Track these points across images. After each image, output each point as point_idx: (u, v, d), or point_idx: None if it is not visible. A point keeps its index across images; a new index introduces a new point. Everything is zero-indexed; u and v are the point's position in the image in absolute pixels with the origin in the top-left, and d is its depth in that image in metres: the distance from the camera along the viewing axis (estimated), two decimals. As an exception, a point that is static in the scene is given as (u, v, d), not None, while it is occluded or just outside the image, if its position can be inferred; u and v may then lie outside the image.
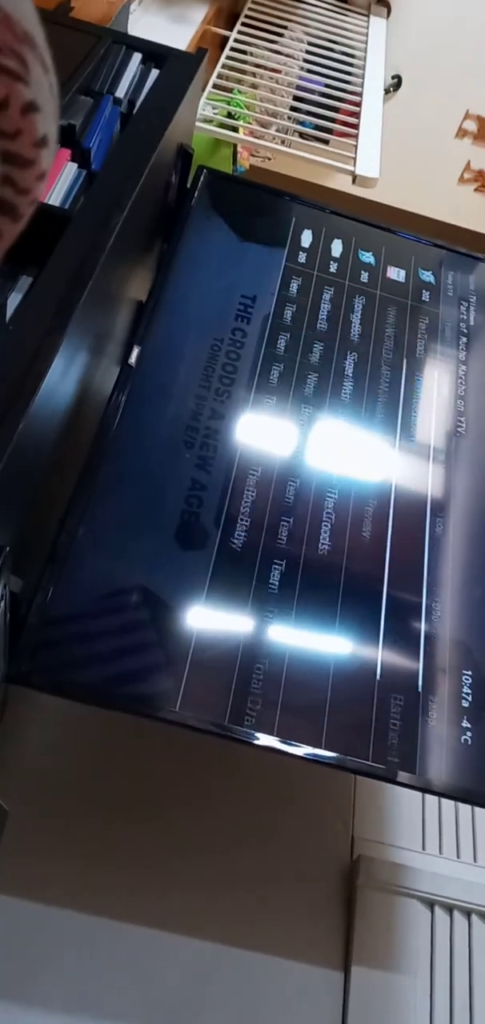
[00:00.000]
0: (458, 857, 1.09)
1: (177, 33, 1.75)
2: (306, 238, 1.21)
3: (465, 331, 1.18)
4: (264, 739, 0.77)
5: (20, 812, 0.74)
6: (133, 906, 0.95)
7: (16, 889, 0.91)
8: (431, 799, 1.12)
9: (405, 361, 1.11)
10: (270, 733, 0.77)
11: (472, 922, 1.02)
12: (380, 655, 0.85)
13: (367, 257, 1.22)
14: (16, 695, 0.74)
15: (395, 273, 1.21)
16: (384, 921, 0.98)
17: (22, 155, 0.22)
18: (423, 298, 1.19)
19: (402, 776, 0.79)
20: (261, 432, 0.99)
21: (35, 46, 0.21)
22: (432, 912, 1.01)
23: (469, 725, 0.82)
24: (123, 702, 0.78)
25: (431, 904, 1.02)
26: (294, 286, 1.14)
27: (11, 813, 0.66)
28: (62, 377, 0.73)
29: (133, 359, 0.99)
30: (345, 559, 0.90)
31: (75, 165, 0.92)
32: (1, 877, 0.70)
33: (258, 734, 0.77)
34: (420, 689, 0.84)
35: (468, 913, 1.03)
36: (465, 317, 1.19)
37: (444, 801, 1.12)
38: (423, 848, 1.07)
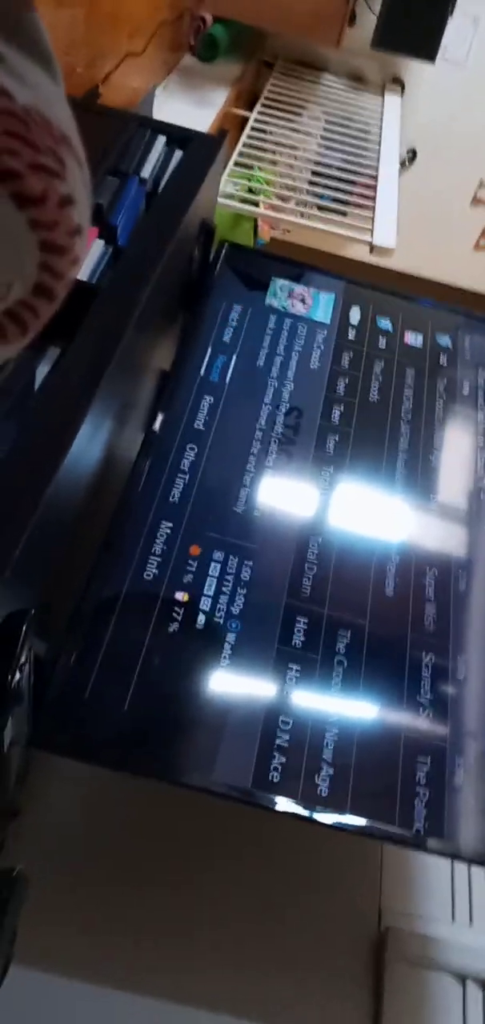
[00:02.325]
0: (490, 929, 1.05)
1: (200, 115, 1.83)
2: (325, 306, 1.24)
3: (484, 394, 1.19)
4: (288, 806, 0.76)
5: (42, 879, 0.74)
6: (152, 979, 0.93)
7: (36, 961, 0.90)
8: (460, 867, 1.09)
9: (424, 423, 1.12)
10: (294, 799, 0.76)
11: (506, 998, 0.98)
12: (405, 718, 0.84)
13: (385, 324, 1.24)
14: (39, 757, 0.74)
15: (411, 338, 1.24)
16: (414, 996, 0.95)
17: (59, 243, 0.24)
18: (441, 362, 1.21)
19: (430, 843, 0.78)
20: (281, 493, 1.00)
21: (71, 145, 0.23)
22: (464, 987, 0.98)
23: (497, 790, 0.81)
24: (144, 768, 0.78)
25: (463, 979, 0.98)
26: (315, 352, 1.16)
27: (32, 880, 0.66)
28: (88, 444, 0.75)
29: (157, 426, 1.01)
30: (368, 620, 0.90)
31: (102, 242, 0.95)
32: (21, 947, 0.69)
33: (281, 800, 0.76)
34: (447, 752, 0.83)
35: (502, 989, 0.99)
36: (483, 381, 1.21)
37: (474, 869, 1.09)
38: (453, 919, 1.04)
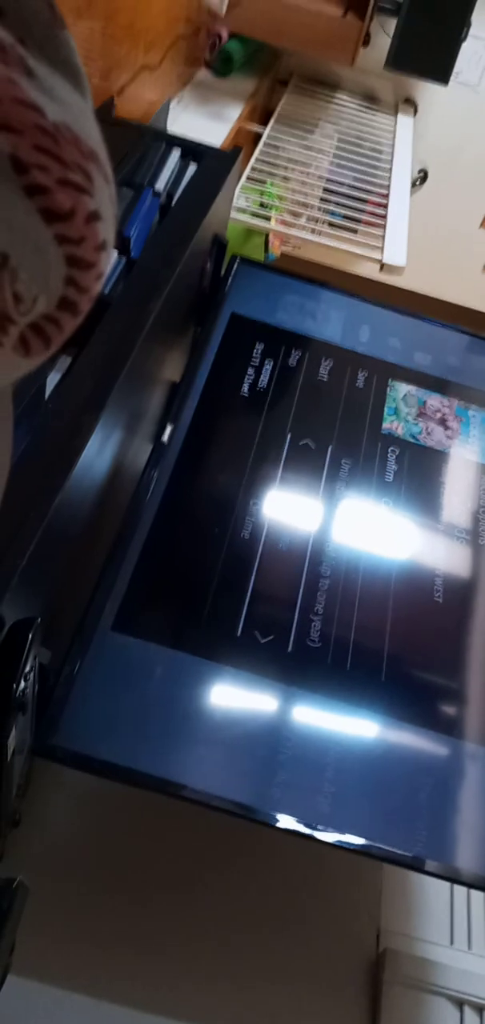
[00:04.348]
0: (488, 954, 1.04)
1: (214, 129, 1.83)
2: (335, 323, 1.24)
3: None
4: (289, 823, 0.75)
5: (42, 889, 0.73)
6: (150, 992, 0.92)
7: (34, 971, 0.89)
8: (459, 890, 1.08)
9: (432, 442, 1.12)
10: (294, 816, 0.76)
11: (503, 1025, 0.97)
12: (407, 738, 0.84)
13: (394, 342, 1.25)
14: (40, 767, 0.74)
15: (421, 357, 1.24)
16: (411, 1019, 0.94)
17: (85, 259, 0.24)
18: (450, 380, 1.22)
19: (430, 865, 0.77)
20: (289, 511, 1.00)
21: (99, 161, 0.24)
22: (461, 1012, 0.97)
23: (499, 814, 0.80)
24: (146, 779, 0.78)
25: (460, 1003, 0.97)
26: (322, 368, 1.17)
27: (32, 890, 0.66)
28: (97, 454, 0.75)
29: (166, 437, 1.01)
30: (372, 638, 0.90)
31: (115, 252, 0.96)
32: (20, 957, 0.69)
33: (282, 817, 0.76)
34: (449, 774, 0.82)
35: (499, 1015, 0.98)
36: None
37: (473, 893, 1.09)
38: (451, 943, 1.03)
